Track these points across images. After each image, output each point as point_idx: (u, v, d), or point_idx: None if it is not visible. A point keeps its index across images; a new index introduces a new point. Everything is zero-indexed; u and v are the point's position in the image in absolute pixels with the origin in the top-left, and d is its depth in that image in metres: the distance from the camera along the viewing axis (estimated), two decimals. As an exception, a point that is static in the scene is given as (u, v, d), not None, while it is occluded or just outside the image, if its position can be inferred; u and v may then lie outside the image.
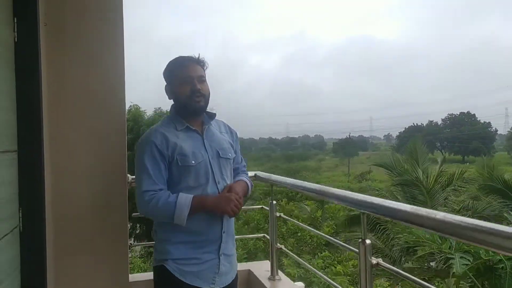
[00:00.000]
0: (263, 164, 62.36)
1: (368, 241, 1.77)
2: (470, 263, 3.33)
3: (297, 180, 2.09)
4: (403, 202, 12.72)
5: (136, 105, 18.47)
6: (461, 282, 4.21)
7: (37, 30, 2.00)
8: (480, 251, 3.47)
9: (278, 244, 2.55)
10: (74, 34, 2.28)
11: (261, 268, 2.73)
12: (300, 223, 2.58)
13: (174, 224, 1.88)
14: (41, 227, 2.02)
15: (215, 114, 2.13)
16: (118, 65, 2.33)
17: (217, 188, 1.97)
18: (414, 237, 3.79)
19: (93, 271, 2.33)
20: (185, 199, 1.85)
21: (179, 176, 1.92)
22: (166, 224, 1.92)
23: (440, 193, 12.75)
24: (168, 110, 2.21)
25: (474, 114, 78.12)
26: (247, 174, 2.25)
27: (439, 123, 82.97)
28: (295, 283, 2.65)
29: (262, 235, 3.03)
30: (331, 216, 12.38)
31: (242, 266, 2.83)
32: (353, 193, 1.58)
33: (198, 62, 2.06)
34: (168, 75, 2.08)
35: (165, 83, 2.11)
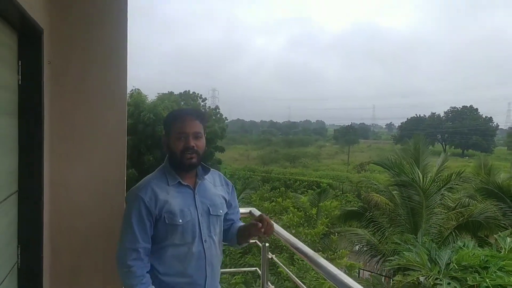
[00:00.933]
0: (263, 148, 62.44)
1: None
2: (456, 290, 3.39)
3: (292, 237, 2.08)
4: (400, 201, 12.80)
5: (138, 89, 18.43)
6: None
7: (41, 70, 2.03)
8: (467, 278, 3.54)
9: (270, 285, 2.61)
10: (79, 70, 2.30)
11: None
12: (290, 273, 2.61)
13: (157, 279, 1.93)
14: (38, 262, 2.07)
15: (209, 169, 2.13)
16: (121, 105, 2.36)
17: (203, 247, 1.97)
18: (405, 261, 3.85)
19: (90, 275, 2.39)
20: None
21: (165, 233, 1.94)
22: (153, 280, 1.93)
23: (437, 193, 12.80)
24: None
25: (476, 109, 77.78)
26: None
27: (441, 116, 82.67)
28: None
29: (254, 268, 3.08)
30: (325, 214, 12.47)
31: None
32: (349, 279, 1.58)
33: (198, 117, 2.04)
34: (166, 127, 2.08)
35: (164, 133, 2.11)
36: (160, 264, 1.96)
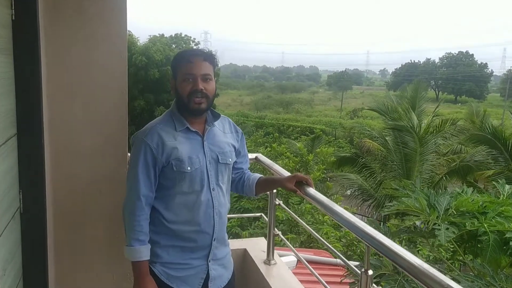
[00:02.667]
0: (256, 93, 62.08)
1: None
2: (454, 235, 3.44)
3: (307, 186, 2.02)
4: (393, 147, 12.92)
5: (129, 31, 17.84)
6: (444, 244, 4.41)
7: (36, 3, 1.87)
8: (466, 223, 3.58)
9: (276, 230, 2.61)
10: (74, 6, 2.13)
11: (257, 248, 2.79)
12: (297, 217, 2.60)
13: (164, 227, 1.89)
14: (42, 207, 2.03)
15: (219, 115, 2.02)
16: (121, 41, 2.21)
17: (211, 195, 1.91)
18: (404, 206, 3.88)
19: (91, 246, 2.37)
20: (141, 253, 1.83)
21: (173, 180, 1.87)
22: (156, 226, 1.90)
23: (431, 140, 12.92)
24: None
25: (472, 54, 76.89)
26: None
27: (436, 62, 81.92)
28: (287, 256, 2.74)
29: (259, 214, 3.07)
30: (322, 160, 12.60)
31: (239, 244, 2.89)
32: (362, 223, 1.54)
33: (206, 58, 1.89)
34: (174, 68, 1.94)
35: (171, 76, 1.98)
36: (167, 212, 1.89)
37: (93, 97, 2.24)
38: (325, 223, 7.74)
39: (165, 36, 22.65)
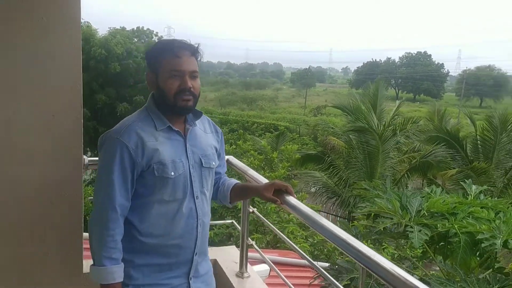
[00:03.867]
0: (220, 90, 61.72)
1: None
2: (427, 237, 3.38)
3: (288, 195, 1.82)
4: (356, 145, 13.05)
5: (87, 22, 17.14)
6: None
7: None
8: (438, 224, 3.54)
9: (250, 240, 2.42)
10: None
11: (228, 259, 2.57)
12: (270, 224, 2.44)
13: (138, 242, 1.66)
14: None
15: (201, 113, 1.80)
16: (74, 29, 1.96)
17: (195, 204, 1.71)
18: (377, 207, 3.79)
19: (40, 262, 2.11)
20: (114, 274, 1.59)
21: (152, 187, 1.64)
22: (129, 242, 1.66)
23: (392, 138, 13.13)
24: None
25: (430, 55, 79.52)
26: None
27: (396, 61, 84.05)
28: (259, 265, 2.57)
29: (230, 221, 2.87)
30: (286, 158, 12.53)
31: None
32: (357, 241, 1.37)
33: (194, 53, 1.68)
34: (154, 62, 1.69)
35: (148, 69, 1.74)
36: (142, 224, 1.66)
37: (43, 94, 1.98)
38: (291, 222, 7.64)
39: (126, 29, 21.96)
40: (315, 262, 1.85)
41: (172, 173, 1.64)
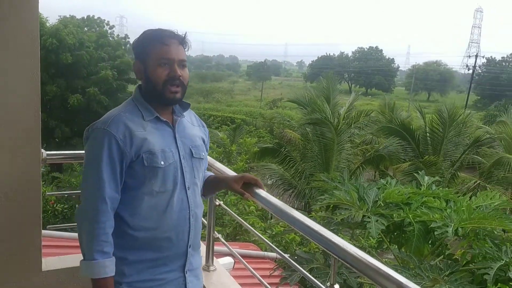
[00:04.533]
0: (175, 82, 60.63)
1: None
2: (384, 226, 3.51)
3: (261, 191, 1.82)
4: (312, 137, 13.25)
5: (36, 10, 16.30)
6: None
7: None
8: (394, 214, 3.67)
9: (216, 233, 2.41)
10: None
11: None
12: (238, 217, 2.44)
13: (130, 238, 1.62)
14: None
15: (189, 105, 1.77)
16: (31, 16, 1.86)
17: (186, 195, 1.68)
18: (336, 199, 3.89)
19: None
20: (106, 268, 1.54)
21: (141, 178, 1.60)
22: (121, 239, 1.61)
23: (347, 130, 13.45)
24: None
25: (381, 50, 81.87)
26: None
27: (349, 55, 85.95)
28: (223, 258, 2.57)
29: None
30: (245, 151, 12.55)
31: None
32: (328, 232, 1.39)
33: (182, 42, 1.66)
34: (142, 51, 1.66)
35: (135, 58, 1.70)
36: (133, 218, 1.61)
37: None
38: (250, 214, 7.68)
39: (76, 18, 21.06)
40: (285, 255, 1.87)
41: (162, 163, 1.60)
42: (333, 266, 1.40)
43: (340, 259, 1.31)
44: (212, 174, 1.97)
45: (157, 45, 1.62)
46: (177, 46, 1.64)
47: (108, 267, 1.55)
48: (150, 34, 1.68)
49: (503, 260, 2.99)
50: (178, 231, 1.67)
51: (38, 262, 2.11)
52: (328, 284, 1.41)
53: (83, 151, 1.64)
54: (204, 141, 1.83)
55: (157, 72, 1.61)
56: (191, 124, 1.81)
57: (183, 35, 1.68)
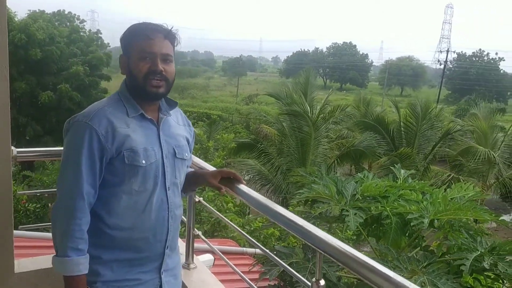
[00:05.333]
0: (150, 78, 59.84)
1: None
2: (362, 219, 3.53)
3: (244, 187, 1.80)
4: (289, 132, 13.28)
5: (3, 3, 15.77)
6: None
7: None
8: (371, 207, 3.70)
9: (196, 230, 2.37)
10: None
11: None
12: (219, 213, 2.41)
13: (106, 236, 1.57)
14: None
15: (176, 103, 1.73)
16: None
17: (166, 195, 1.64)
18: (314, 193, 3.90)
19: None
20: (79, 265, 1.49)
21: (121, 176, 1.55)
22: (96, 237, 1.57)
23: (323, 125, 13.55)
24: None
25: (355, 45, 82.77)
26: None
27: (324, 51, 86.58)
28: (203, 255, 2.54)
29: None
30: (222, 147, 12.50)
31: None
32: (312, 226, 1.37)
33: (167, 36, 1.61)
34: (126, 44, 1.62)
35: (122, 52, 1.65)
36: (110, 216, 1.56)
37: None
38: (228, 211, 7.65)
39: (46, 12, 20.50)
40: (267, 250, 1.85)
41: (143, 161, 1.56)
42: (318, 261, 1.38)
43: (325, 254, 1.29)
44: (191, 170, 1.94)
45: (141, 38, 1.59)
46: (161, 40, 1.60)
47: (82, 264, 1.51)
48: (135, 28, 1.64)
49: (478, 250, 3.04)
50: (155, 232, 1.63)
51: (11, 264, 2.03)
52: (314, 279, 1.39)
53: (56, 148, 1.59)
54: (188, 141, 1.79)
55: (138, 66, 1.58)
56: (177, 123, 1.77)
57: (170, 29, 1.63)
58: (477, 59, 64.14)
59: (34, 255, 2.46)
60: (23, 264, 2.15)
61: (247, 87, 60.61)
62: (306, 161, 12.83)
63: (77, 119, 1.55)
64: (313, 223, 4.06)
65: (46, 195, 8.91)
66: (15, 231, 2.05)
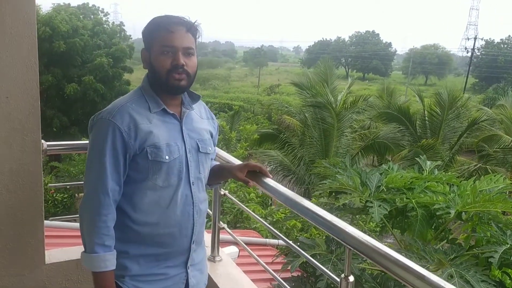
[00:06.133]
0: (171, 69, 60.19)
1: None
2: (387, 211, 3.49)
3: (270, 180, 1.79)
4: (312, 123, 13.18)
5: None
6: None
7: None
8: (396, 199, 3.65)
9: (221, 223, 2.38)
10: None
11: None
12: (244, 206, 2.41)
13: (132, 232, 1.59)
14: None
15: (199, 97, 1.72)
16: (28, 2, 1.80)
17: (190, 190, 1.64)
18: (338, 184, 3.86)
19: None
20: (107, 261, 1.51)
21: (145, 172, 1.56)
22: (122, 232, 1.58)
23: (347, 115, 13.39)
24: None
25: (378, 34, 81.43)
26: None
27: (346, 40, 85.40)
28: (228, 247, 2.54)
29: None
30: (245, 138, 12.48)
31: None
32: (342, 222, 1.35)
33: (189, 29, 1.59)
34: (147, 38, 1.61)
35: (143, 46, 1.65)
36: (136, 212, 1.58)
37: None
38: (251, 201, 7.68)
39: (71, 5, 20.82)
40: (291, 242, 1.84)
41: (167, 157, 1.56)
42: (347, 257, 1.36)
43: (355, 250, 1.27)
44: (216, 163, 1.93)
45: (162, 32, 1.57)
46: (183, 33, 1.57)
47: (108, 260, 1.53)
48: (154, 22, 1.62)
49: (508, 244, 2.97)
50: (181, 227, 1.64)
51: (42, 255, 2.08)
52: (342, 276, 1.37)
53: (83, 142, 1.61)
54: (212, 135, 1.79)
55: (160, 61, 1.56)
56: (200, 117, 1.75)
57: (192, 22, 1.61)
58: (505, 46, 62.22)
59: (63, 245, 2.52)
60: (53, 254, 2.20)
61: (268, 78, 60.38)
62: (329, 152, 12.73)
63: (101, 116, 1.56)
64: (336, 215, 4.05)
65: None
66: (46, 221, 2.11)
